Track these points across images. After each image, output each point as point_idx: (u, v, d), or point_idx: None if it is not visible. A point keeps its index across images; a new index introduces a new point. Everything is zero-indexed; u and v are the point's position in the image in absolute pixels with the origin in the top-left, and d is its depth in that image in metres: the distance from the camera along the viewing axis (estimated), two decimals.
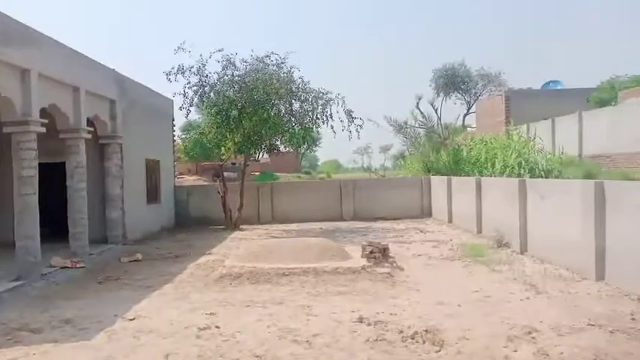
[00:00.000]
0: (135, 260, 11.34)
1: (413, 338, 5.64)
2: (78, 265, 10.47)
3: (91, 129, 12.44)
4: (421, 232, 14.92)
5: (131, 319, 6.68)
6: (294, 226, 17.39)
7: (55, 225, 12.68)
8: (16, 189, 9.44)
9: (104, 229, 13.62)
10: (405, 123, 32.55)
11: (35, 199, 9.53)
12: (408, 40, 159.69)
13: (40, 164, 9.76)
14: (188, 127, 36.47)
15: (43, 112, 10.13)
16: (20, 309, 7.40)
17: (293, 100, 16.90)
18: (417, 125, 31.33)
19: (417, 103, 36.77)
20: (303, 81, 16.83)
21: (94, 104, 12.60)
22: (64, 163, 11.70)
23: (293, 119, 17.03)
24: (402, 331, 5.85)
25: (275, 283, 8.51)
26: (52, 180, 12.27)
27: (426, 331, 5.81)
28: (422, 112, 34.61)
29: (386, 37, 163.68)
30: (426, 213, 18.88)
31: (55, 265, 10.25)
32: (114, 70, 13.95)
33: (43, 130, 9.92)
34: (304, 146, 19.25)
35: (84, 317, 6.86)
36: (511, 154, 15.71)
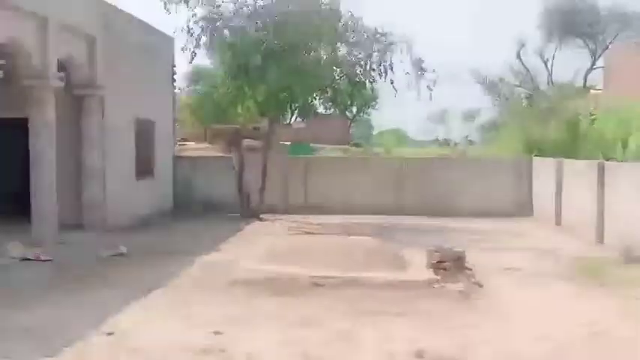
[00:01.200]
0: (119, 254, 11.70)
1: None
2: (43, 258, 10.89)
3: (62, 74, 12.81)
4: (515, 236, 14.77)
5: (109, 334, 6.93)
6: (335, 219, 17.44)
7: (13, 201, 13.16)
8: None
9: (79, 211, 14.14)
10: (500, 80, 31.99)
11: None
12: None
13: None
14: (195, 77, 36.98)
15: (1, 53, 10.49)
16: None
17: (339, 44, 16.90)
18: (516, 83, 30.77)
19: (519, 53, 36.05)
20: (353, 17, 16.78)
21: (68, 41, 12.96)
22: (26, 120, 12.12)
23: (338, 70, 17.02)
24: None
25: (305, 296, 8.63)
26: (11, 141, 12.73)
27: None
28: (524, 65, 33.95)
29: None
30: (524, 209, 18.64)
31: (14, 256, 10.71)
32: None
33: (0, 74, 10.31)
34: (353, 108, 19.28)
35: (49, 326, 7.17)
36: None
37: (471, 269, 10.04)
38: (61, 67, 12.79)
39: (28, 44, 11.51)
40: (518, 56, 35.67)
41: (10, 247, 10.84)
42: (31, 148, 12.09)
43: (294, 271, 9.48)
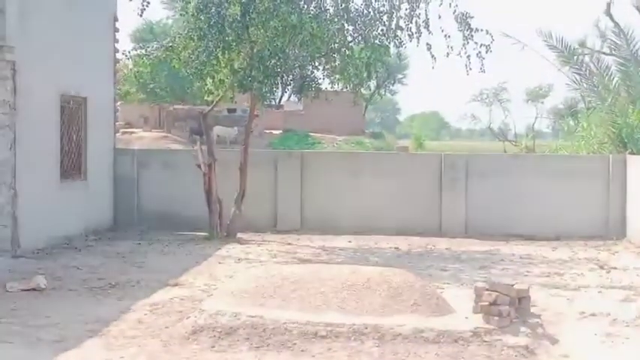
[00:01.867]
0: (32, 289, 11.70)
1: None
2: None
3: None
4: (601, 267, 14.73)
5: None
6: (342, 241, 17.48)
7: None
8: None
9: None
10: (582, 45, 31.82)
11: None
12: None
13: None
14: (144, 36, 37.11)
15: None
16: None
17: None
18: (605, 51, 30.62)
19: (608, 8, 35.93)
20: None
21: None
22: None
23: (351, 27, 17.05)
24: None
25: (299, 352, 8.62)
26: None
27: None
28: (617, 25, 33.87)
29: None
30: (613, 229, 18.65)
31: None
32: None
33: None
34: (371, 84, 19.24)
35: None
36: None
37: (538, 315, 10.02)
38: None
39: None
40: (608, 12, 35.53)
41: None
42: None
43: (285, 315, 9.45)
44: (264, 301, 9.89)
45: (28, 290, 11.68)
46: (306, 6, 16.48)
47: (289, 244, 17.16)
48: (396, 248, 16.56)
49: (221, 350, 8.71)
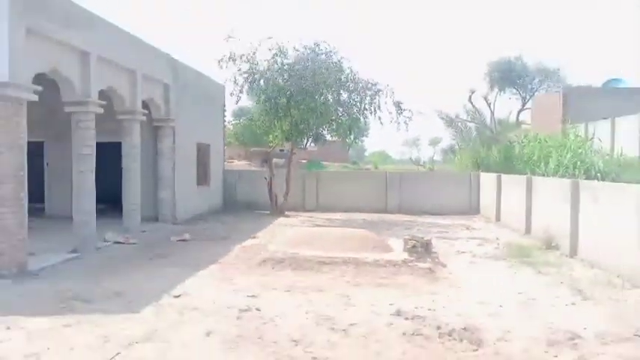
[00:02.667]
0: (183, 240, 11.74)
1: (450, 335, 5.61)
2: (130, 241, 10.97)
3: (146, 111, 12.90)
4: (467, 229, 14.68)
5: (177, 296, 6.97)
6: (338, 216, 17.46)
7: (110, 201, 13.27)
8: (74, 166, 9.97)
9: (156, 208, 14.18)
10: (457, 116, 31.89)
11: (92, 176, 10.04)
12: (461, 31, 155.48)
13: (97, 143, 10.24)
14: (239, 113, 37.15)
15: (102, 94, 10.60)
16: (75, 279, 7.84)
17: (341, 90, 16.95)
18: (468, 119, 30.62)
19: (470, 97, 35.88)
20: (352, 71, 16.87)
21: (149, 87, 13.04)
22: (120, 143, 12.23)
23: (341, 109, 17.08)
24: (439, 327, 5.83)
25: (316, 271, 8.62)
26: (109, 158, 12.84)
27: (464, 329, 5.77)
28: (474, 106, 33.83)
29: (438, 29, 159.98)
30: (473, 210, 18.51)
31: (109, 240, 10.80)
32: (168, 54, 14.34)
33: (101, 110, 10.42)
34: (351, 136, 19.22)
35: (133, 291, 7.21)
36: (566, 154, 15.12)
37: (435, 252, 10.01)
38: (145, 105, 12.89)
39: (122, 90, 11.61)
40: (470, 99, 35.50)
41: (107, 235, 10.92)
42: (123, 164, 12.18)
43: (308, 252, 9.46)
44: (298, 245, 9.92)
45: (180, 240, 11.74)
46: (318, 99, 16.52)
47: (310, 217, 17.17)
48: (363, 220, 16.53)
49: (277, 270, 8.72)
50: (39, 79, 8.68)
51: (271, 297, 7.05)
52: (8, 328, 5.66)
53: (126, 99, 11.78)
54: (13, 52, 7.69)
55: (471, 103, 34.77)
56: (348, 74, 16.83)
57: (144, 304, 6.59)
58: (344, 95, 17.03)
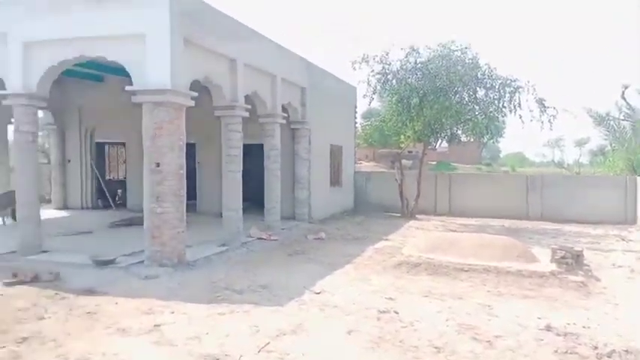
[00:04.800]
0: (319, 238, 12.21)
1: (610, 357, 5.17)
2: (271, 238, 11.70)
3: (285, 115, 13.57)
4: (623, 240, 13.31)
5: (317, 293, 7.29)
6: (472, 221, 16.87)
7: (252, 199, 14.20)
8: (223, 166, 10.87)
9: (293, 207, 14.86)
10: (607, 114, 28.93)
11: (239, 176, 10.87)
12: (614, 20, 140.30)
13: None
14: (368, 115, 37.51)
15: (246, 98, 11.38)
16: (225, 271, 8.58)
17: (478, 88, 16.42)
18: (621, 117, 27.61)
19: (623, 93, 32.30)
20: (489, 67, 16.25)
21: (288, 92, 13.68)
22: (261, 145, 13.04)
23: (477, 107, 16.54)
24: (596, 348, 5.39)
25: (453, 277, 8.45)
26: (251, 159, 13.75)
27: (627, 351, 5.27)
28: (628, 103, 30.40)
29: (587, 21, 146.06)
30: (629, 219, 16.73)
31: (253, 236, 11.63)
32: (305, 59, 14.90)
33: (247, 114, 11.19)
34: (487, 136, 18.47)
35: (277, 285, 7.69)
36: None
37: (587, 265, 9.24)
38: (283, 109, 13.56)
39: (264, 95, 12.34)
40: (623, 96, 31.99)
41: (251, 231, 11.75)
42: (265, 164, 12.96)
43: (445, 258, 9.30)
44: (433, 250, 9.80)
45: (317, 239, 12.21)
46: (452, 97, 16.16)
47: (443, 221, 16.81)
48: (502, 225, 15.78)
49: (412, 274, 8.71)
50: (193, 85, 9.57)
51: (408, 301, 7.06)
52: (172, 312, 6.37)
53: (267, 103, 12.52)
54: (174, 62, 8.56)
55: (624, 100, 31.30)
56: (484, 70, 16.24)
57: (288, 298, 7.00)
58: (480, 93, 16.46)
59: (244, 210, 11.32)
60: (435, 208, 18.72)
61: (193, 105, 9.21)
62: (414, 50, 16.45)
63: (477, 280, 8.29)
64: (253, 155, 13.45)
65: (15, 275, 7.59)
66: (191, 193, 15.29)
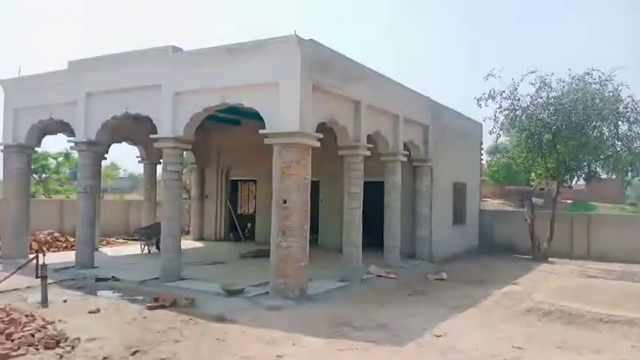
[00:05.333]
0: (440, 279, 11.86)
1: None
2: (390, 276, 11.62)
3: (407, 152, 13.57)
4: None
5: (438, 336, 7.06)
6: (614, 266, 15.21)
7: (371, 236, 14.28)
8: (345, 203, 11.15)
9: (413, 246, 14.63)
10: None
11: (360, 212, 11.05)
12: None
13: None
14: (494, 150, 36.05)
15: (368, 138, 11.61)
16: (345, 307, 8.68)
17: (620, 122, 15.18)
18: None
19: None
20: (633, 100, 15.02)
21: (410, 130, 13.71)
22: (381, 182, 13.14)
23: (619, 143, 15.29)
24: None
25: (592, 328, 7.69)
26: (371, 196, 13.89)
27: None
28: None
29: None
30: None
31: (372, 273, 11.65)
32: (428, 97, 14.83)
33: (369, 153, 11.41)
34: (632, 173, 16.80)
35: (396, 324, 7.59)
36: None
37: None
38: (405, 147, 13.57)
39: (386, 134, 12.50)
40: None
41: (370, 268, 11.79)
42: (385, 201, 13.01)
43: (582, 307, 8.50)
44: (569, 297, 9.04)
45: (438, 279, 11.86)
46: (590, 132, 15.03)
47: (580, 266, 15.36)
48: None
49: (544, 322, 8.09)
50: (318, 126, 10.03)
51: (539, 351, 6.55)
52: (293, 344, 6.59)
53: (389, 142, 12.65)
54: (302, 106, 9.11)
55: None
56: (627, 103, 15.00)
57: (407, 339, 6.87)
58: (623, 127, 15.16)
59: (363, 246, 11.42)
60: (572, 251, 17.22)
61: (319, 145, 9.65)
62: (545, 85, 15.69)
63: (618, 332, 7.46)
64: (373, 192, 13.58)
65: (156, 300, 8.42)
66: (313, 228, 15.88)
